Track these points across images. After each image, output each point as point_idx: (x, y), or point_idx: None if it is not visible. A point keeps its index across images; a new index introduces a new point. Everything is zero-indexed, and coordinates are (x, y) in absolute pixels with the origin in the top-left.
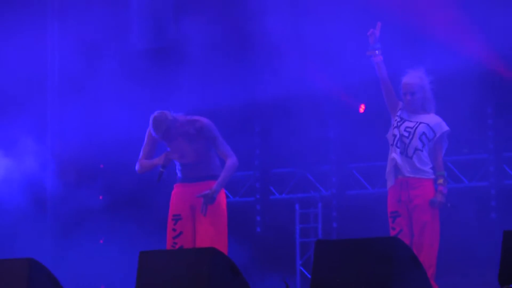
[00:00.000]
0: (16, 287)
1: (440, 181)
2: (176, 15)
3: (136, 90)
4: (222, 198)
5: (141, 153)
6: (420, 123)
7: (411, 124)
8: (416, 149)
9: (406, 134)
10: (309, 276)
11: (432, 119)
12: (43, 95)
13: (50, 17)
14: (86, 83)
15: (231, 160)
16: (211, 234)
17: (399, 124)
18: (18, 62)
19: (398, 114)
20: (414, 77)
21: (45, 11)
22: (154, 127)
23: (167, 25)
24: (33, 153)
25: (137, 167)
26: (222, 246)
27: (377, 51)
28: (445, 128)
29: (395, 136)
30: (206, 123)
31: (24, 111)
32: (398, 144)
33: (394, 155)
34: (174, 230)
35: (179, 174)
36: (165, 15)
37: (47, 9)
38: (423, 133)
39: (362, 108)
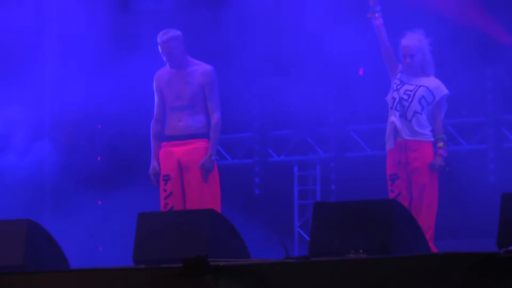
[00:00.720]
0: (14, 248)
1: (440, 144)
2: None
3: (135, 51)
4: None
5: (154, 112)
6: (420, 86)
7: (410, 87)
8: (415, 112)
9: (405, 97)
10: (307, 238)
11: (432, 82)
12: (41, 55)
13: None
14: (83, 43)
15: (217, 116)
16: (201, 194)
17: (398, 87)
18: (15, 22)
19: (398, 77)
20: (413, 39)
21: None
22: (166, 48)
23: None
24: (29, 115)
25: (150, 129)
26: (215, 206)
27: (377, 14)
28: (445, 91)
29: (394, 99)
30: (213, 69)
31: (21, 71)
32: (398, 107)
33: (394, 118)
34: (165, 190)
35: (166, 130)
36: None
37: None
38: (423, 96)
39: (361, 71)
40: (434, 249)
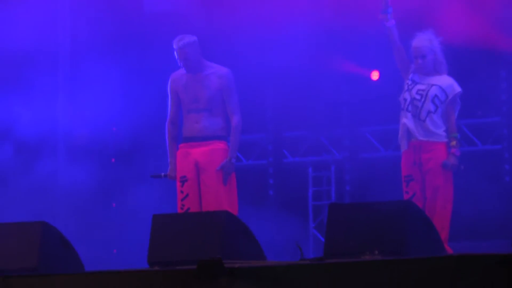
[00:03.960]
0: (28, 250)
1: (453, 143)
2: None
3: (147, 53)
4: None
5: (168, 114)
6: (432, 85)
7: (423, 87)
8: (429, 112)
9: (418, 97)
10: (322, 239)
11: (445, 80)
12: (55, 57)
13: None
14: (97, 44)
15: (237, 119)
16: (219, 197)
17: (410, 87)
18: (30, 23)
19: (410, 77)
20: (424, 40)
21: None
22: (182, 53)
23: None
24: (44, 117)
25: (166, 131)
26: (231, 208)
27: (389, 15)
28: (458, 89)
29: (405, 100)
30: (230, 72)
31: (36, 73)
32: (410, 108)
33: (405, 120)
34: (182, 192)
35: (184, 132)
36: None
37: None
38: (436, 95)
39: (375, 75)
40: (449, 250)
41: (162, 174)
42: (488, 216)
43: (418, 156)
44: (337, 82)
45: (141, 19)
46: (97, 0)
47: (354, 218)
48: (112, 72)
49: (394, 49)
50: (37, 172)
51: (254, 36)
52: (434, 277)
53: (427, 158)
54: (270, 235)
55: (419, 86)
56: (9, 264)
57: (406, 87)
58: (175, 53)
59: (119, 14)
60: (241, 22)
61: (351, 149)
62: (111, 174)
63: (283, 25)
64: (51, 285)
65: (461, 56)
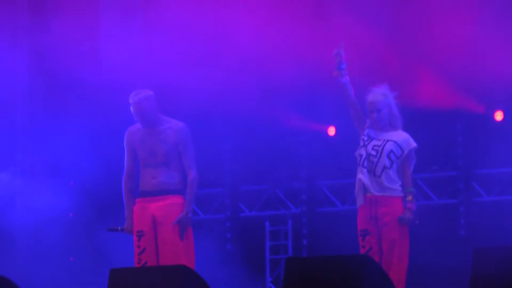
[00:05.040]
0: None
1: (409, 198)
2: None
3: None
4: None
5: (125, 168)
6: (388, 140)
7: (378, 143)
8: (384, 167)
9: (373, 153)
10: None
11: (400, 136)
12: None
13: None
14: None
15: (193, 174)
16: (176, 251)
17: (366, 143)
18: None
19: (366, 132)
20: (379, 95)
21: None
22: (138, 108)
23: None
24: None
25: (122, 185)
26: (189, 262)
27: (343, 72)
28: (413, 144)
29: (361, 155)
30: (186, 127)
31: None
32: (365, 164)
33: (361, 175)
34: (138, 246)
35: (141, 186)
36: None
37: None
38: (391, 150)
39: (332, 131)
40: None
41: (119, 227)
42: (443, 269)
43: (374, 211)
44: (294, 137)
45: (98, 72)
46: (53, 52)
47: (311, 272)
48: (68, 126)
49: (350, 104)
50: None
51: (213, 90)
52: None
53: (383, 213)
54: None
55: (374, 142)
56: None
57: (362, 143)
58: (131, 107)
59: (74, 66)
60: (199, 73)
61: (308, 203)
62: (68, 226)
63: (244, 80)
64: None
65: (417, 110)
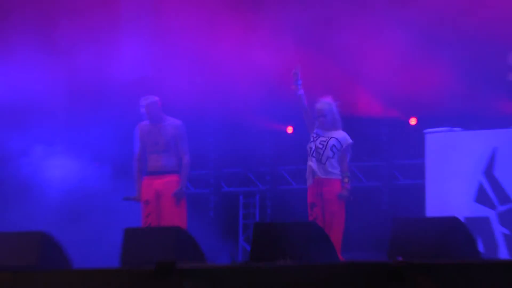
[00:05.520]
0: (27, 260)
1: (346, 180)
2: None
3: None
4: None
5: (135, 153)
6: (331, 137)
7: (324, 139)
8: (328, 157)
9: (320, 146)
10: (248, 249)
11: (340, 134)
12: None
13: None
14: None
15: (187, 158)
16: (173, 215)
17: (315, 139)
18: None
19: (315, 131)
20: (325, 104)
21: None
22: (147, 109)
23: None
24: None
25: (134, 166)
26: (182, 224)
27: (299, 86)
28: (349, 141)
29: (311, 148)
30: (182, 123)
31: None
32: (314, 154)
33: (311, 163)
34: (146, 212)
35: (148, 167)
36: None
37: None
38: (333, 145)
39: (290, 129)
40: (341, 259)
41: (132, 197)
42: (371, 234)
43: (320, 189)
44: (262, 133)
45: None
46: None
47: (272, 234)
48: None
49: (303, 111)
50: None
51: (202, 96)
52: (330, 279)
53: (326, 191)
54: (211, 245)
55: (321, 138)
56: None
57: (311, 139)
58: (142, 108)
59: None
60: (192, 81)
61: (272, 182)
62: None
63: (225, 89)
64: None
65: (353, 116)
